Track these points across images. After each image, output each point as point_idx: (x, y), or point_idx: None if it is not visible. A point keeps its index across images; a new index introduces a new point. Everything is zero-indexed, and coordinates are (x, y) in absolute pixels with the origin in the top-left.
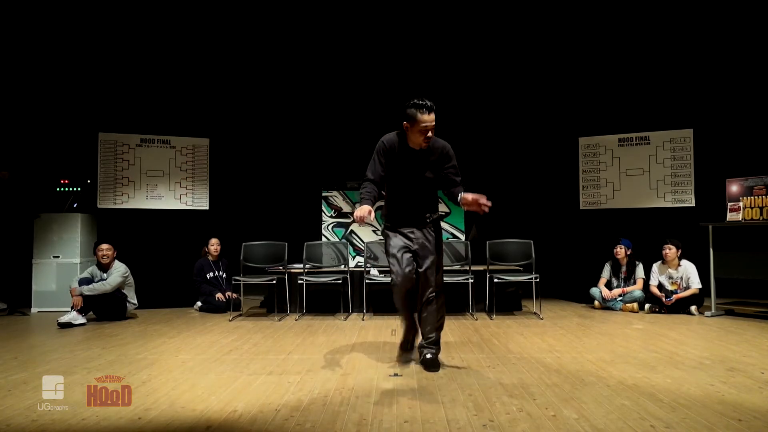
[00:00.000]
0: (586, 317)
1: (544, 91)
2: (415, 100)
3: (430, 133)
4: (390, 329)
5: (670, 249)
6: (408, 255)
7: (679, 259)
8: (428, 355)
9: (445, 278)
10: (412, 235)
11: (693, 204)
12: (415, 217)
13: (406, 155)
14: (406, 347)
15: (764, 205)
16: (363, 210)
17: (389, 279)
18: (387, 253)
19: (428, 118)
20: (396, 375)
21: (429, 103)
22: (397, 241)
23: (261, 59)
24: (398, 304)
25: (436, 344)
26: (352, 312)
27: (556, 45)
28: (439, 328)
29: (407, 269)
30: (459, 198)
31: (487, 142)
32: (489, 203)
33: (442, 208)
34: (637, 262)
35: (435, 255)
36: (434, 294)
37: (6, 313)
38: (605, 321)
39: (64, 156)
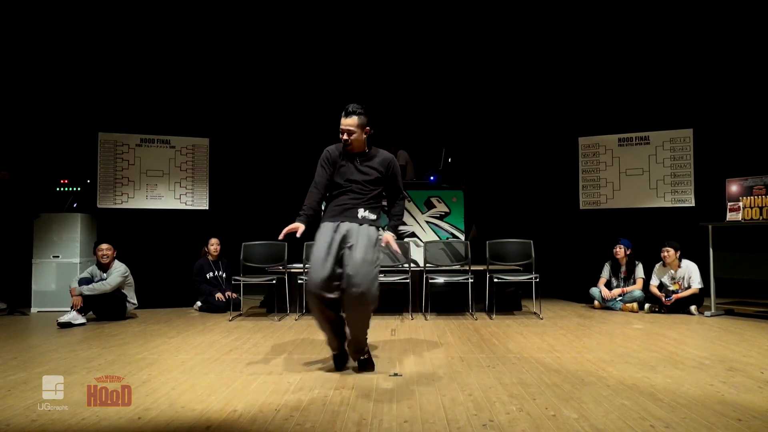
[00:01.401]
0: (586, 317)
1: (544, 91)
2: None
3: (345, 136)
4: (390, 329)
5: (668, 251)
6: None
7: (680, 259)
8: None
9: (445, 278)
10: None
11: (693, 204)
12: (348, 214)
13: (345, 159)
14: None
15: (764, 205)
16: (293, 227)
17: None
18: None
19: (343, 122)
20: (396, 375)
21: (350, 108)
22: (321, 241)
23: (260, 60)
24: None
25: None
26: None
27: (556, 45)
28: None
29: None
30: (384, 228)
31: (488, 142)
32: (397, 251)
33: (442, 207)
34: (636, 262)
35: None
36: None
37: (6, 313)
38: (605, 321)
39: (64, 156)
